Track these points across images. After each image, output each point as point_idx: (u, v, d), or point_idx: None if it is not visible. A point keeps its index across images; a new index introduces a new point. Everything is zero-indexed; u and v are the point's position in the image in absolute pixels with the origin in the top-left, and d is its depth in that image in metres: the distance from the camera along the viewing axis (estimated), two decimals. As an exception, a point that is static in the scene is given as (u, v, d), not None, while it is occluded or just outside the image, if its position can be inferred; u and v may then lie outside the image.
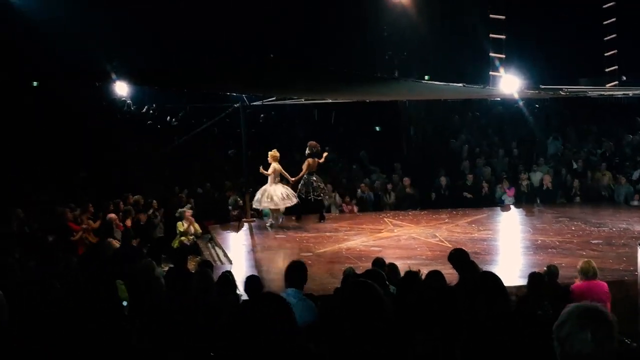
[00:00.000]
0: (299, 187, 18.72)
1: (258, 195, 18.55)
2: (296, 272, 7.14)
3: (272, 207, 18.59)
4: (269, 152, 18.62)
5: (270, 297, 3.72)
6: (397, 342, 3.97)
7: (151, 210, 18.02)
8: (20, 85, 22.75)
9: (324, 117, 26.73)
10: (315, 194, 18.96)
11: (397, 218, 19.76)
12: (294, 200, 18.51)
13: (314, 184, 18.93)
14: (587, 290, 9.28)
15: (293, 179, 18.86)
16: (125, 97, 26.67)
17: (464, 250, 8.66)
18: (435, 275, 7.76)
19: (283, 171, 18.62)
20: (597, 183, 22.30)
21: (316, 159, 19.05)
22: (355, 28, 24.22)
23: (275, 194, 18.22)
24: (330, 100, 22.65)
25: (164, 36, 23.43)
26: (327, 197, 20.09)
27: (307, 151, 19.11)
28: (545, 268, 10.29)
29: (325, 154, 19.41)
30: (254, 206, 18.91)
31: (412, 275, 7.49)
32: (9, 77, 19.81)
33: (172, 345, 6.03)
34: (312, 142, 19.18)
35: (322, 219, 19.47)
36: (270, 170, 18.41)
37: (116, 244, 13.56)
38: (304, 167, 18.96)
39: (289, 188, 18.57)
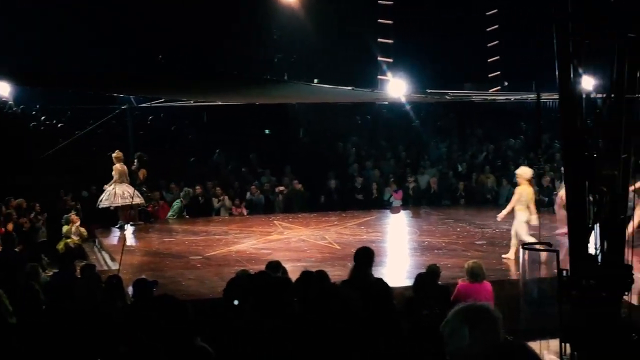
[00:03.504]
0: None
1: (102, 196, 18.72)
2: None
3: (108, 205, 18.62)
4: (113, 154, 18.76)
5: (166, 299, 3.69)
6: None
7: (33, 214, 17.49)
8: None
9: (214, 119, 26.51)
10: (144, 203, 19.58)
11: (286, 220, 19.78)
12: (136, 200, 18.59)
13: (145, 194, 19.50)
14: (472, 291, 9.45)
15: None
16: (7, 97, 25.79)
17: (372, 251, 8.65)
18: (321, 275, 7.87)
19: (126, 172, 18.80)
20: (481, 185, 22.90)
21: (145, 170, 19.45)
22: (245, 30, 24.14)
23: (116, 193, 18.41)
24: (220, 102, 22.54)
25: (50, 35, 22.81)
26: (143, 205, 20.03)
27: (136, 162, 19.39)
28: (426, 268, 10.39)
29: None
30: (98, 206, 18.81)
31: (307, 276, 7.52)
32: None
33: (60, 352, 5.88)
34: (140, 154, 19.60)
35: (120, 228, 19.06)
36: (114, 172, 18.57)
37: (-3, 249, 13.09)
38: (140, 175, 19.30)
39: (131, 188, 18.61)
